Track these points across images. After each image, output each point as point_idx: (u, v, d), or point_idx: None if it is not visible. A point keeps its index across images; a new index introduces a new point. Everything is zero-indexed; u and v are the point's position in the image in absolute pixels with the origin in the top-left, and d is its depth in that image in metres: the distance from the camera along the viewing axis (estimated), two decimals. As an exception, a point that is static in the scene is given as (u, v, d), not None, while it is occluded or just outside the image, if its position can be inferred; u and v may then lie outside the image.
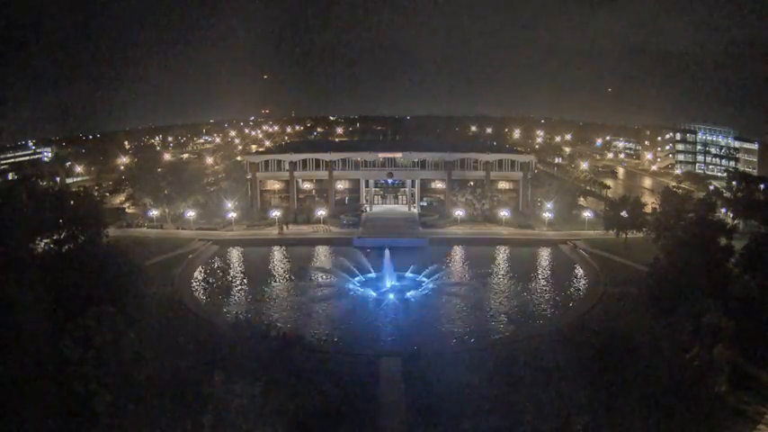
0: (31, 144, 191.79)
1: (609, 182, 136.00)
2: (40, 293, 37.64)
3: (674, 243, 55.97)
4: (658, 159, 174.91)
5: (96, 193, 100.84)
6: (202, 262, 78.69)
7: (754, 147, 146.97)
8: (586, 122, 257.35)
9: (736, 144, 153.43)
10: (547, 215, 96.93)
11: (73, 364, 29.82)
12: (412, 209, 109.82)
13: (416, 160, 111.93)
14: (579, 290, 67.32)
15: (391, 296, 63.44)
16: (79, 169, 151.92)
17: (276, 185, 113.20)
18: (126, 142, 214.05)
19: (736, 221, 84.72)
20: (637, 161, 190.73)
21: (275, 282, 70.90)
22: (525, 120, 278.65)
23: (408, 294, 64.02)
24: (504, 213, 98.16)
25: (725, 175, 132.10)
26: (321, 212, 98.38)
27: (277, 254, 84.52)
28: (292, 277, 72.54)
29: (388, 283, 67.03)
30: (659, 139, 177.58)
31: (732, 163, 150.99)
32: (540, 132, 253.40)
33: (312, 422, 34.54)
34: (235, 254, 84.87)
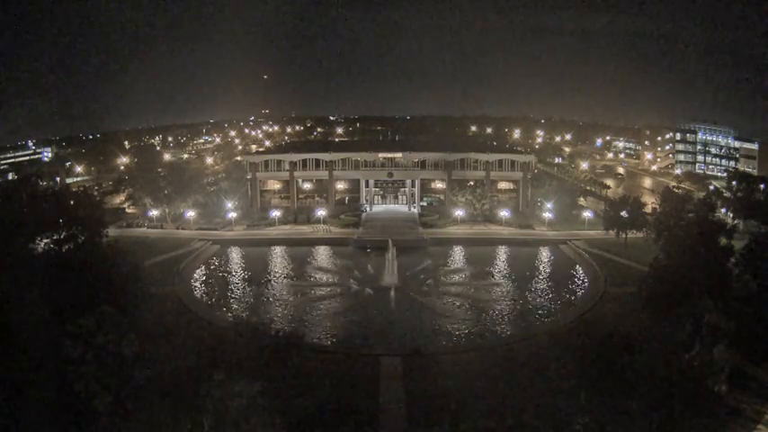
0: (31, 144, 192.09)
1: (610, 182, 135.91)
2: (40, 293, 37.65)
3: (674, 243, 55.89)
4: (658, 159, 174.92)
5: (96, 193, 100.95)
6: (202, 262, 78.73)
7: (754, 147, 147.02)
8: (586, 122, 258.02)
9: (736, 144, 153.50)
10: (547, 215, 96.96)
11: (73, 364, 29.77)
12: (412, 209, 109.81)
13: (416, 160, 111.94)
14: (579, 290, 67.32)
15: (391, 294, 63.47)
16: (79, 169, 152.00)
17: (276, 185, 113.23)
18: (126, 142, 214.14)
19: (736, 221, 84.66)
20: (637, 161, 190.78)
21: (275, 281, 70.92)
22: (525, 120, 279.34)
23: (409, 292, 64.05)
24: (504, 213, 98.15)
25: (725, 175, 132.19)
26: (321, 212, 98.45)
27: (277, 254, 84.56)
28: (292, 277, 72.60)
29: (388, 281, 67.04)
30: (659, 139, 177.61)
31: (732, 163, 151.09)
32: (540, 132, 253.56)
33: (312, 422, 34.59)
34: (235, 254, 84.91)
